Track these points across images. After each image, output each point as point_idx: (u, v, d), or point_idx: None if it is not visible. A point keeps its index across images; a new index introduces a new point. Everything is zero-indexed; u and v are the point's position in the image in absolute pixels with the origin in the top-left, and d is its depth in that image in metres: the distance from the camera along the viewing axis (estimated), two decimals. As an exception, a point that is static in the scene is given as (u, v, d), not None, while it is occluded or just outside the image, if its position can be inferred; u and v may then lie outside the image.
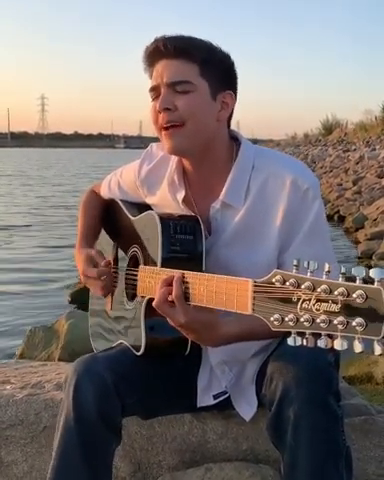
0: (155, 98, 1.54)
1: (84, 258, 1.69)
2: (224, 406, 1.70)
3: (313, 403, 1.34)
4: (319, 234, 1.54)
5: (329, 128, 37.89)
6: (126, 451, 1.84)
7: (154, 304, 1.38)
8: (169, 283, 1.36)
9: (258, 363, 1.61)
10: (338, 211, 12.74)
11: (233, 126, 1.65)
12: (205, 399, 1.67)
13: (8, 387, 2.03)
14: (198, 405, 1.67)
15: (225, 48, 1.57)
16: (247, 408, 1.64)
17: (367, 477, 1.77)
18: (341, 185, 15.61)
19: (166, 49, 1.50)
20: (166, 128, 1.52)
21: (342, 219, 12.05)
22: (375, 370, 3.49)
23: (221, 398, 1.66)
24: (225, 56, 1.56)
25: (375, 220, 10.16)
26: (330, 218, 11.83)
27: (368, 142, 24.24)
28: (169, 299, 1.36)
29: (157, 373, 1.61)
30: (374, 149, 20.72)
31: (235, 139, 1.62)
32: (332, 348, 0.98)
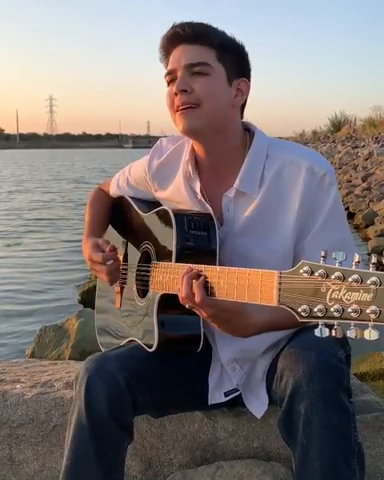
0: (171, 82, 1.54)
1: (90, 245, 1.68)
2: (235, 404, 1.69)
3: (324, 399, 1.33)
4: (337, 220, 1.53)
5: (338, 125, 37.79)
6: (137, 449, 1.84)
7: (180, 299, 1.37)
8: (192, 277, 1.35)
9: (268, 360, 1.60)
10: (347, 208, 12.67)
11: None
12: (216, 397, 1.66)
13: (18, 386, 2.03)
14: (209, 403, 1.66)
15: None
16: (258, 405, 1.63)
17: (380, 474, 1.75)
18: (350, 182, 15.53)
19: (185, 33, 1.51)
20: (181, 109, 1.51)
21: (352, 216, 11.98)
22: (387, 367, 3.46)
23: (232, 395, 1.65)
24: (240, 45, 1.57)
25: (385, 216, 10.10)
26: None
27: (377, 138, 24.14)
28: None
29: (168, 371, 1.60)
30: (383, 145, 20.62)
31: (248, 130, 1.62)
32: (361, 338, 0.96)
